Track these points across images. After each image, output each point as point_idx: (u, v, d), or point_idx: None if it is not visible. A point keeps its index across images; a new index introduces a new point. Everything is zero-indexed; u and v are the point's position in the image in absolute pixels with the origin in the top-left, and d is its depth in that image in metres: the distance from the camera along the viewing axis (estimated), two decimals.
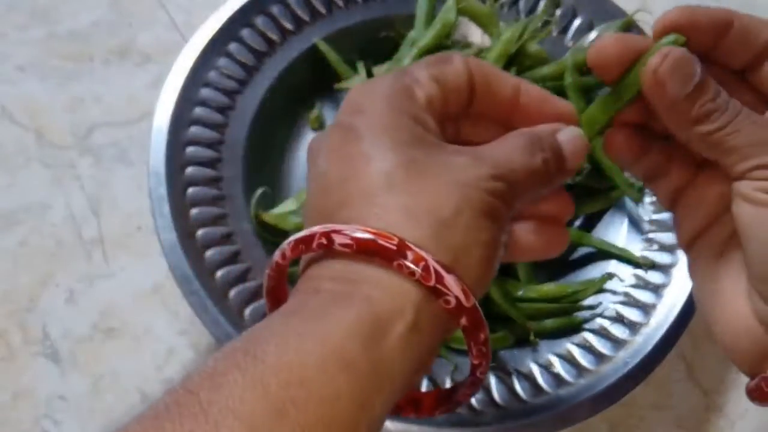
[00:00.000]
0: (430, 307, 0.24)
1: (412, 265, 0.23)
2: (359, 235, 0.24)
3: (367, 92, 0.28)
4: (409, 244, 0.24)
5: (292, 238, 0.26)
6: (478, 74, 0.29)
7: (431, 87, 0.28)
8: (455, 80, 0.29)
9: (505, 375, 0.45)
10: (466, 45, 0.53)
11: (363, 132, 0.26)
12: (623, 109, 0.30)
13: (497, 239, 0.26)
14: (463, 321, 0.25)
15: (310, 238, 0.25)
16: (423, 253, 0.24)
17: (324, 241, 0.24)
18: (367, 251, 0.24)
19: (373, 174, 0.25)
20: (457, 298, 0.24)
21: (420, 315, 0.24)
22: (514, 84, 0.30)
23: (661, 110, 0.28)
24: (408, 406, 0.29)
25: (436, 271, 0.24)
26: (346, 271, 0.25)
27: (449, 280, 0.24)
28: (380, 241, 0.24)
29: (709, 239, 0.31)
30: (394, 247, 0.24)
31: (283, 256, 0.26)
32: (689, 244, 0.32)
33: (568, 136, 0.30)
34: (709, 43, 0.29)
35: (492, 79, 0.29)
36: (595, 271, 0.50)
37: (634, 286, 0.49)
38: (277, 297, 0.29)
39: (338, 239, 0.24)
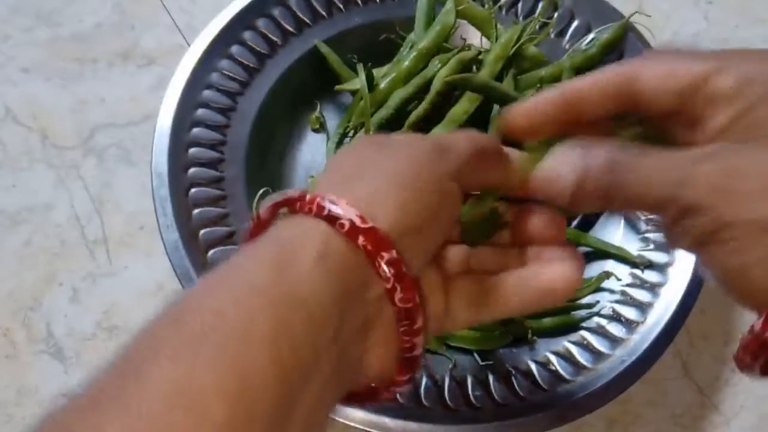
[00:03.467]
0: (338, 237, 0.26)
1: (308, 204, 0.26)
2: (278, 197, 0.28)
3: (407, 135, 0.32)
4: (307, 189, 0.27)
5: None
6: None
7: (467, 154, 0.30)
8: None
9: (503, 373, 0.46)
10: (465, 47, 0.53)
11: (380, 149, 0.29)
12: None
13: (424, 187, 0.28)
14: (361, 240, 0.26)
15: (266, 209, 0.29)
16: (318, 193, 0.27)
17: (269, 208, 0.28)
18: (280, 204, 0.28)
19: (363, 176, 0.28)
20: (351, 221, 0.26)
21: (329, 244, 0.26)
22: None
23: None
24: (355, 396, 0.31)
25: (330, 201, 0.26)
26: (274, 227, 0.28)
27: (342, 205, 0.26)
28: (289, 194, 0.27)
29: None
30: (296, 195, 0.27)
31: (258, 216, 0.29)
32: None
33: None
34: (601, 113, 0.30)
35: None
36: (592, 270, 0.51)
37: (630, 284, 0.49)
38: None
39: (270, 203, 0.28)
